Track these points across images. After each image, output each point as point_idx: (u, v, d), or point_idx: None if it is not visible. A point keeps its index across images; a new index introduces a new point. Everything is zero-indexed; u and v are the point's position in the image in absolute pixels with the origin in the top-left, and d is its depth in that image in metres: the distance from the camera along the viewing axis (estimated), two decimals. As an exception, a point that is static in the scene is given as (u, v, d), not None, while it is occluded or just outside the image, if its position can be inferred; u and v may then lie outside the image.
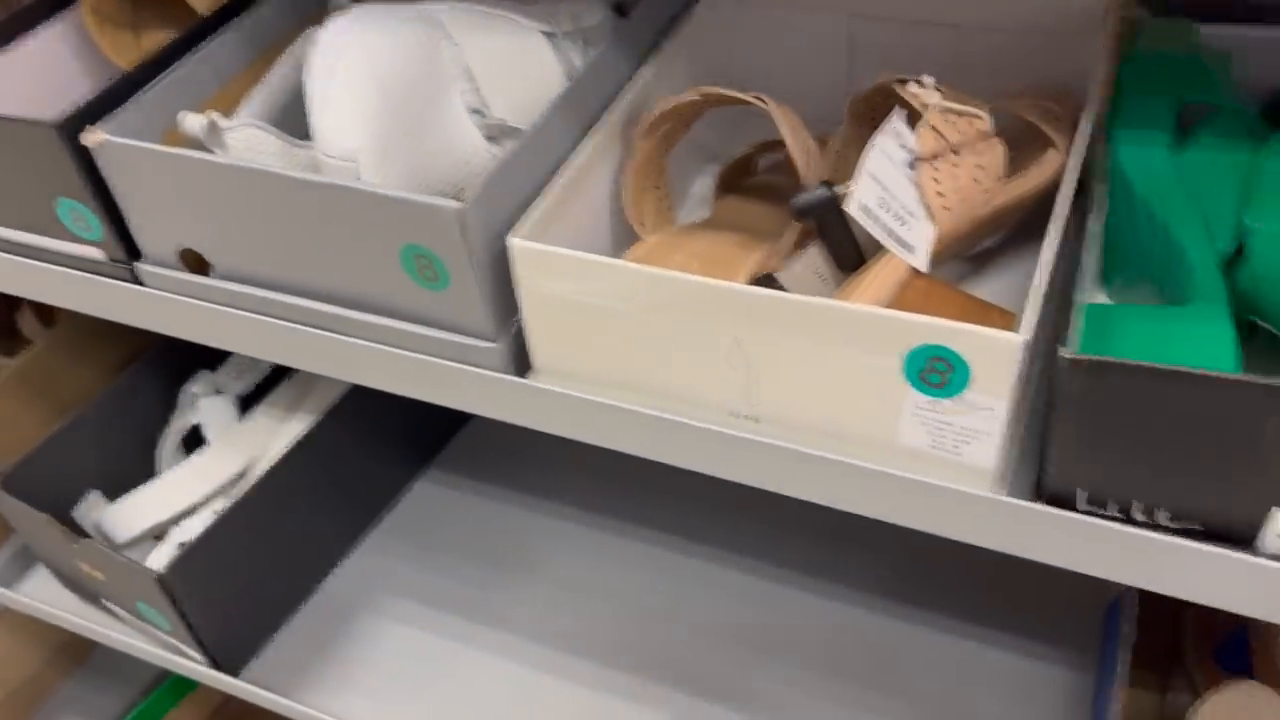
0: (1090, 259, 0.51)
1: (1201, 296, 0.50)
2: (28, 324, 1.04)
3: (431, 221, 0.53)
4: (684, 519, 0.94)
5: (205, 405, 0.91)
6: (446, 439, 1.02)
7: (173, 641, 0.84)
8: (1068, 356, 0.44)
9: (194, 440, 0.94)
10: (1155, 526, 0.47)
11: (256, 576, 0.85)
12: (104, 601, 0.88)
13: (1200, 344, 0.47)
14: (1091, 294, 0.50)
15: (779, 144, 0.68)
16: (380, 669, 0.86)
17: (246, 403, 0.93)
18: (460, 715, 0.83)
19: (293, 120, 0.68)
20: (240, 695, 0.84)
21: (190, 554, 0.77)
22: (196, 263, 0.66)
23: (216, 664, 0.84)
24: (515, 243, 0.53)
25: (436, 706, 0.84)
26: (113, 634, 0.88)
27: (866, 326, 0.47)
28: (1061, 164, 0.59)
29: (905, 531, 0.89)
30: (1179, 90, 0.59)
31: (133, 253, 0.67)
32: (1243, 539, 0.46)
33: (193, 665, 0.84)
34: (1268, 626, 0.70)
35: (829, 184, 0.55)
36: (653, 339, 0.53)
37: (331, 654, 0.87)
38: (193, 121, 0.60)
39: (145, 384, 0.95)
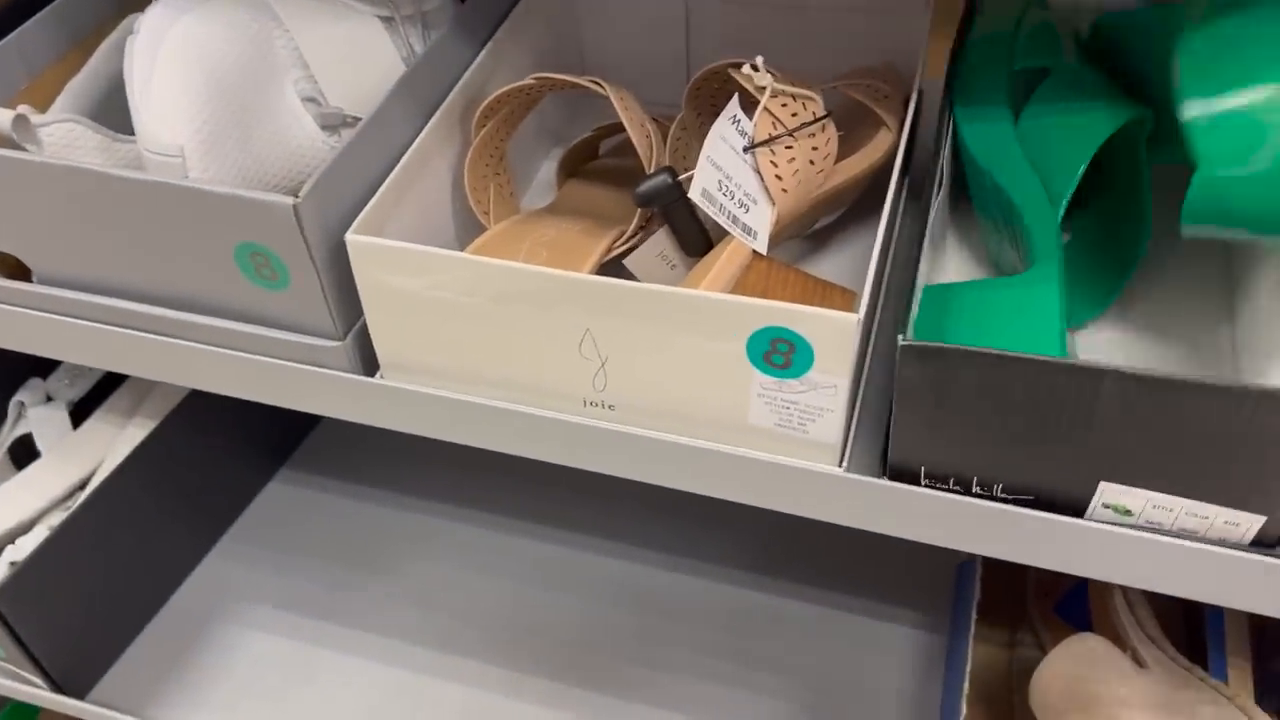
0: (933, 234, 0.53)
1: (1038, 258, 0.52)
2: None
3: (266, 219, 0.51)
4: (544, 508, 0.94)
5: (35, 415, 0.86)
6: (298, 440, 0.99)
7: (9, 667, 0.79)
8: (903, 343, 0.45)
9: (24, 452, 0.88)
10: (993, 499, 0.49)
11: (99, 593, 0.81)
12: (-68, 629, 0.82)
13: (1028, 310, 0.49)
14: (933, 271, 0.52)
15: (620, 126, 0.69)
16: (238, 679, 0.84)
17: (81, 410, 0.89)
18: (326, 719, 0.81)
19: (113, 114, 0.65)
20: (87, 719, 0.81)
21: (23, 573, 0.73)
22: (14, 268, 0.62)
23: (59, 688, 0.79)
24: (353, 239, 0.52)
25: (299, 714, 0.81)
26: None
27: (710, 312, 0.48)
28: (893, 143, 0.61)
29: (765, 508, 0.91)
30: (1016, 59, 0.61)
31: (-59, 259, 0.63)
32: (1075, 509, 0.49)
33: (34, 690, 0.80)
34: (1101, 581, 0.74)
35: (671, 170, 0.55)
36: (501, 331, 0.52)
37: (185, 668, 0.84)
38: (1, 116, 0.56)
39: (-33, 396, 0.89)
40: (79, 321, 0.61)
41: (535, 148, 0.74)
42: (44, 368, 0.90)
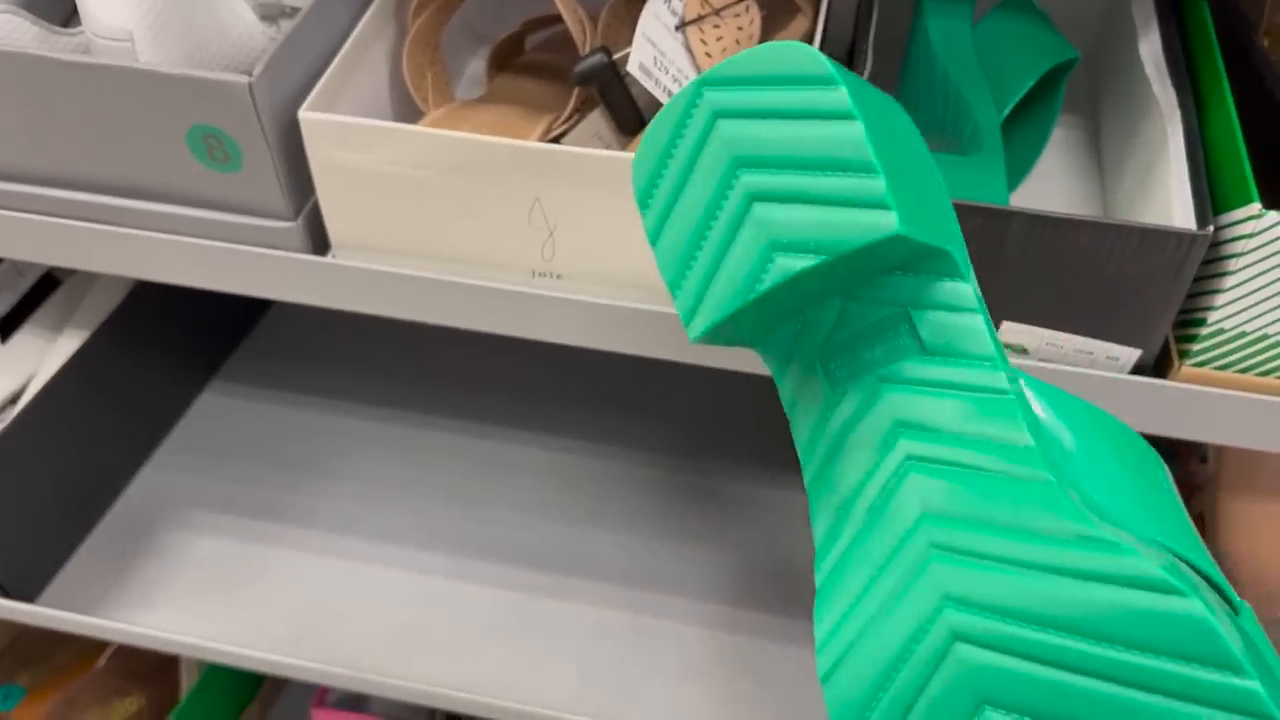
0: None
1: (986, 148, 0.57)
2: None
3: (221, 98, 0.53)
4: (476, 406, 0.97)
5: (-39, 330, 0.86)
6: (232, 347, 1.00)
7: (-45, 575, 0.80)
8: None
9: (-51, 370, 0.88)
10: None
11: (41, 500, 0.82)
12: None
13: (979, 188, 0.54)
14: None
15: (547, 20, 0.72)
16: (187, 580, 0.86)
17: (8, 323, 0.88)
18: (278, 613, 0.84)
19: (45, 7, 0.65)
20: (38, 622, 0.82)
21: (-32, 479, 0.74)
22: (-51, 164, 0.62)
23: (7, 593, 0.80)
24: (306, 116, 0.54)
25: (252, 608, 0.84)
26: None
27: (654, 174, 0.51)
28: (809, 28, 0.65)
29: (687, 392, 0.96)
30: None
31: (-128, 156, 0.62)
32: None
33: (-19, 598, 0.81)
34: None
35: (606, 50, 0.58)
36: (451, 204, 0.55)
37: (134, 570, 0.86)
38: (-65, 7, 0.56)
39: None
40: (21, 215, 0.61)
41: (461, 45, 0.76)
42: (-35, 284, 0.89)
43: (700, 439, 0.95)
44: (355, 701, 0.96)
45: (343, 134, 0.54)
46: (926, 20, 0.62)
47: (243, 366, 1.00)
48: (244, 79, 0.52)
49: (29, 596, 0.82)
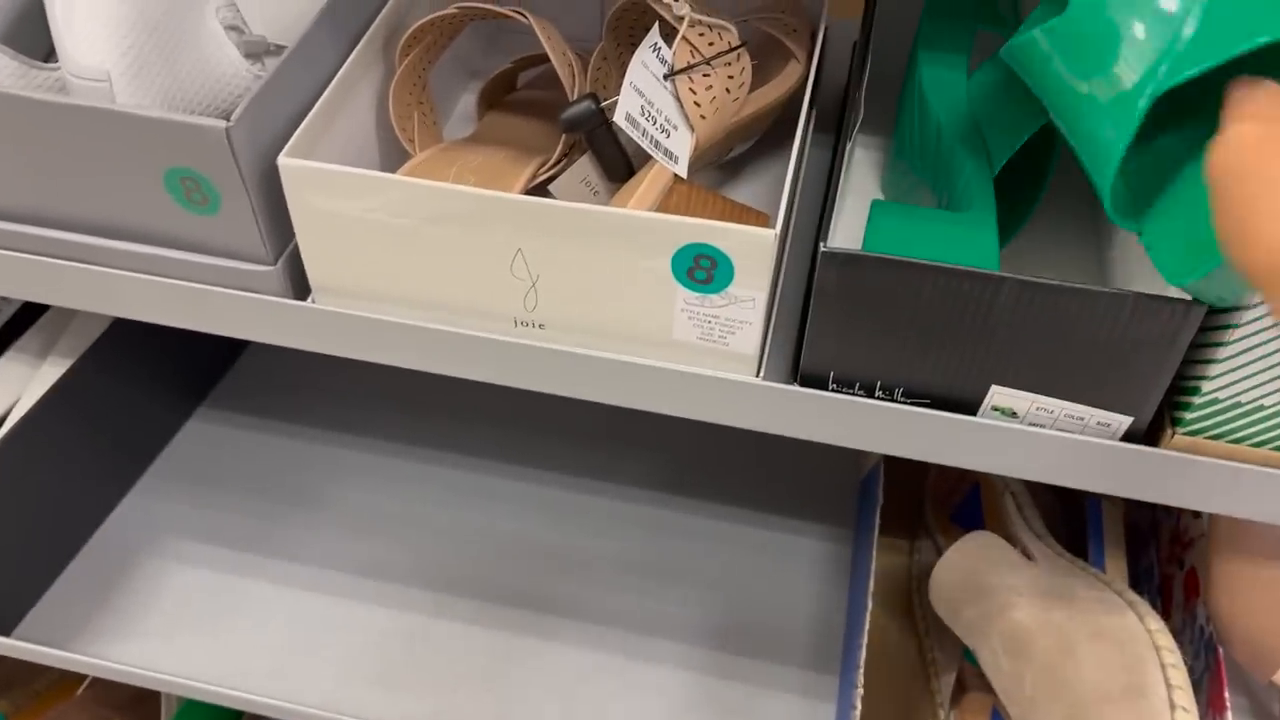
0: (861, 163, 0.56)
1: (976, 205, 0.56)
2: None
3: (198, 142, 0.52)
4: (461, 439, 0.96)
5: (-56, 355, 0.85)
6: (217, 377, 1.00)
7: (-69, 605, 0.79)
8: (824, 249, 0.49)
9: (-68, 394, 0.87)
10: (895, 401, 0.54)
11: (21, 530, 0.81)
12: None
13: (967, 247, 0.53)
14: (863, 194, 0.56)
15: (539, 58, 0.71)
16: (168, 611, 0.85)
17: (-9, 350, 0.88)
18: (258, 648, 0.83)
19: (26, 41, 0.64)
20: (15, 654, 0.81)
21: (-55, 511, 0.73)
22: (-72, 197, 0.61)
23: (-16, 624, 0.79)
24: (286, 162, 0.53)
25: (232, 642, 0.83)
26: None
27: (637, 230, 0.50)
28: (802, 75, 0.64)
29: (676, 429, 0.95)
30: (977, 18, 0.65)
31: None
32: (967, 412, 0.53)
33: (-44, 628, 0.80)
34: (992, 487, 0.80)
35: (594, 97, 0.57)
36: (433, 253, 0.54)
37: (112, 602, 0.85)
38: (-87, 42, 0.56)
39: None
40: (1, 251, 0.61)
41: (452, 81, 0.75)
42: (-51, 307, 0.89)
43: (690, 477, 0.93)
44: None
45: (322, 181, 0.53)
46: (920, 70, 0.61)
47: (228, 395, 0.99)
48: (221, 124, 0.51)
49: (5, 629, 0.81)
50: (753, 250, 0.50)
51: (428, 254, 0.54)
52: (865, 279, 0.49)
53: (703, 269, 0.51)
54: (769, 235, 0.49)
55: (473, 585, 0.86)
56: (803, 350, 0.54)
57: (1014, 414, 0.53)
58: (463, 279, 0.55)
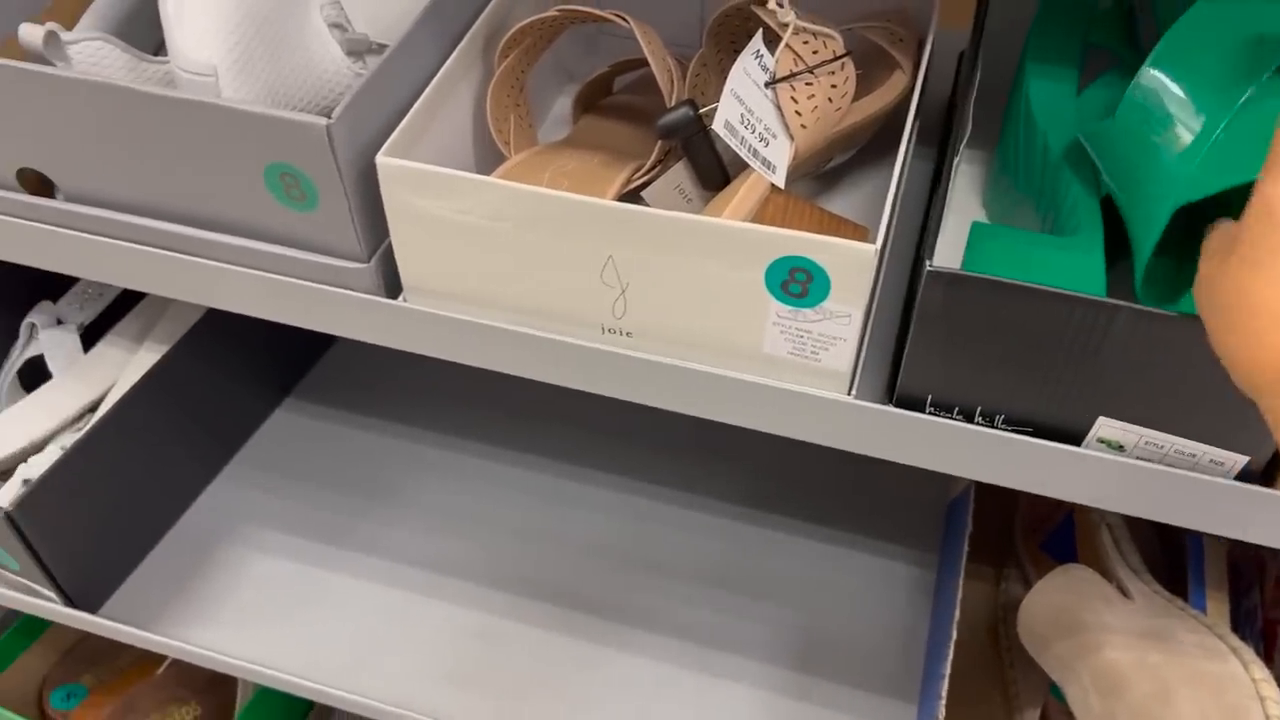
0: (961, 177, 0.55)
1: (1084, 228, 0.54)
2: None
3: (300, 139, 0.52)
4: (543, 441, 0.96)
5: (46, 337, 0.87)
6: (304, 369, 1.01)
7: (24, 581, 0.81)
8: (930, 268, 0.47)
9: (33, 373, 0.89)
10: (995, 428, 0.52)
11: (110, 511, 0.82)
12: (-56, 544, 0.84)
13: (1073, 273, 0.51)
14: (963, 211, 0.54)
15: (636, 63, 0.70)
16: (246, 599, 0.86)
17: (90, 334, 0.90)
18: (332, 639, 0.83)
19: (135, 34, 0.65)
20: (99, 632, 0.83)
21: (38, 490, 0.74)
22: (37, 184, 0.63)
23: (72, 602, 0.81)
24: (384, 161, 0.53)
25: (307, 632, 0.84)
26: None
27: (732, 241, 0.49)
28: (907, 86, 0.63)
29: (760, 443, 0.93)
30: (1088, 33, 0.62)
31: (-35, 174, 0.63)
32: (1071, 442, 0.51)
33: (47, 605, 0.82)
34: (1088, 518, 0.77)
35: (693, 103, 0.56)
36: (524, 256, 0.54)
37: (193, 586, 0.86)
38: (31, 32, 0.57)
39: (-23, 317, 0.90)
40: (104, 239, 0.62)
41: (548, 83, 0.74)
42: (55, 291, 0.91)
43: (772, 491, 0.92)
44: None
45: (418, 181, 0.53)
46: (1028, 84, 0.59)
47: (315, 388, 1.00)
48: (322, 121, 0.51)
49: (92, 607, 0.83)
50: (851, 265, 0.48)
51: (519, 257, 0.54)
52: (971, 300, 0.47)
53: (798, 282, 0.49)
54: (869, 250, 0.47)
55: (548, 589, 0.86)
56: (900, 371, 0.52)
57: (1120, 447, 0.51)
58: (552, 284, 0.55)
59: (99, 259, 0.63)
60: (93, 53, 0.57)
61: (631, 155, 0.64)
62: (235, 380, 0.92)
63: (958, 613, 0.69)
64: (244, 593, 0.86)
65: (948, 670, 0.66)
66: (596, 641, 0.83)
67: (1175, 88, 0.50)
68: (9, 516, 0.72)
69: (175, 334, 0.85)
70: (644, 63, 0.71)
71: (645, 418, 0.97)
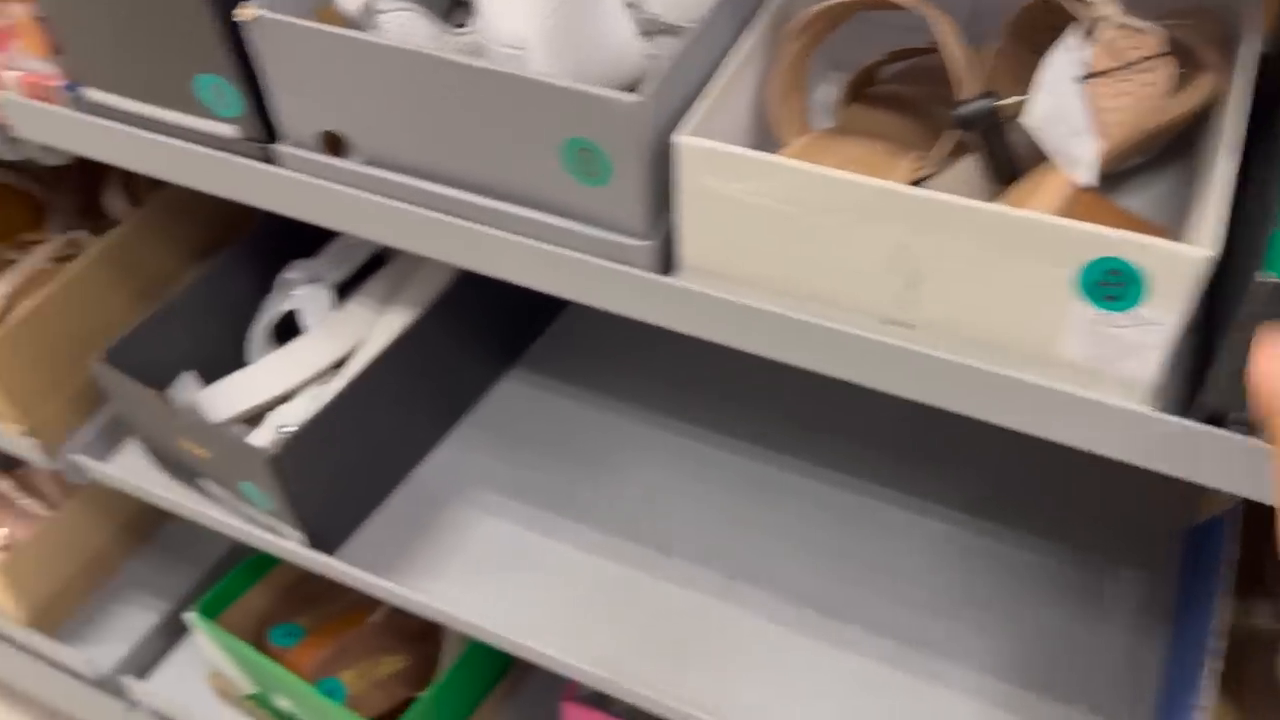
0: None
1: None
2: (113, 203, 1.04)
3: (606, 115, 0.53)
4: (765, 430, 0.95)
5: (302, 293, 0.92)
6: (534, 336, 1.03)
7: (271, 521, 0.86)
8: (1260, 279, 0.45)
9: (282, 328, 0.94)
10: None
11: (353, 462, 0.86)
12: (199, 480, 0.90)
13: None
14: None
15: (914, 52, 0.69)
16: (469, 556, 0.88)
17: (340, 292, 0.94)
18: (548, 603, 0.85)
19: (437, 7, 0.68)
20: (333, 575, 0.87)
21: (300, 437, 0.79)
22: (333, 147, 0.66)
23: (313, 543, 0.86)
24: (685, 141, 0.53)
25: (521, 595, 0.86)
26: (208, 511, 0.90)
27: (1047, 236, 0.48)
28: (1218, 86, 0.59)
29: (986, 446, 0.91)
30: None
31: (269, 134, 0.67)
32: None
33: (288, 545, 0.86)
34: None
35: (994, 94, 0.55)
36: (813, 241, 0.53)
37: (420, 539, 0.90)
38: (349, 0, 0.60)
39: (238, 270, 0.95)
40: (394, 202, 0.64)
41: (813, 70, 0.74)
42: (310, 250, 0.96)
43: (994, 500, 0.89)
44: (600, 700, 0.97)
45: (717, 161, 0.53)
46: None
47: (542, 357, 1.03)
48: (635, 99, 0.52)
49: (329, 549, 0.87)
50: (1176, 270, 0.46)
51: (808, 242, 0.54)
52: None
53: (1113, 285, 0.48)
54: (1199, 255, 0.45)
55: (763, 576, 0.86)
56: (1206, 384, 0.50)
57: None
58: (838, 270, 0.54)
59: (388, 221, 0.65)
60: (403, 21, 0.60)
61: (908, 146, 0.63)
62: (470, 346, 0.95)
63: (1214, 642, 0.66)
64: (467, 549, 0.89)
65: (1203, 702, 0.63)
66: (809, 634, 0.83)
67: None
68: (275, 460, 0.77)
69: (422, 298, 0.89)
70: (917, 53, 0.70)
71: (866, 415, 0.95)
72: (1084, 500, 0.88)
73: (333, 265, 0.93)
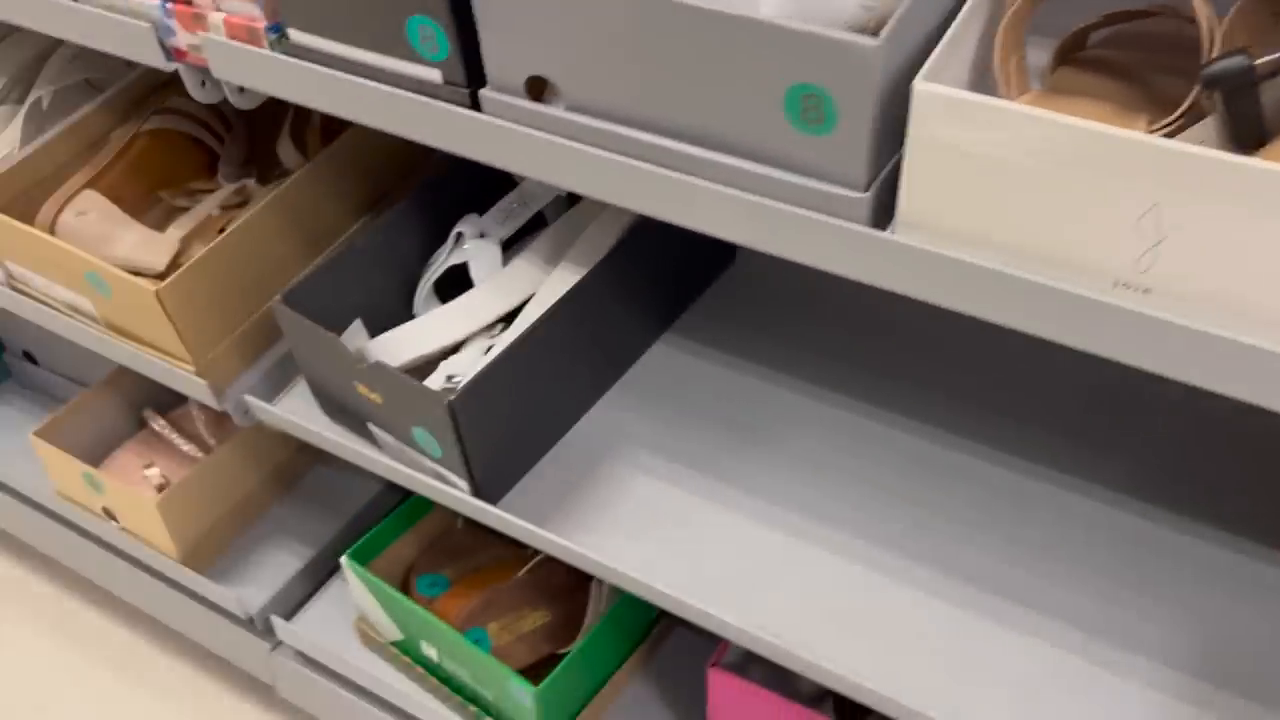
0: None
1: None
2: (286, 153, 1.06)
3: (839, 60, 0.52)
4: (927, 409, 0.93)
5: (472, 247, 0.93)
6: (689, 300, 1.03)
7: (438, 469, 0.87)
8: None
9: (448, 281, 0.95)
10: None
11: (520, 416, 0.87)
12: (368, 425, 0.91)
13: None
14: None
15: (1124, 15, 0.66)
16: (625, 513, 0.88)
17: (507, 247, 0.95)
18: (702, 565, 0.85)
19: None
20: (495, 524, 0.87)
21: (475, 386, 0.79)
22: (536, 93, 0.66)
23: (478, 493, 0.86)
24: (925, 87, 0.52)
25: (672, 553, 0.85)
26: (375, 456, 0.92)
27: (1326, 198, 0.45)
28: None
29: (1151, 433, 0.87)
30: None
31: (475, 79, 0.67)
32: None
33: (455, 493, 0.87)
34: None
35: (1247, 52, 0.52)
36: (1053, 197, 0.52)
37: (577, 493, 0.90)
38: (573, -56, 0.59)
39: (407, 222, 0.97)
40: (600, 152, 0.64)
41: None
42: (471, 208, 0.97)
43: (1168, 488, 0.86)
44: (744, 670, 0.97)
45: (958, 110, 0.51)
46: None
47: (697, 321, 1.02)
48: (874, 42, 0.51)
49: (493, 499, 0.88)
50: None
51: (1045, 197, 0.52)
52: None
53: (1393, 251, 0.45)
54: None
55: (925, 554, 0.84)
56: None
57: None
58: (1072, 228, 0.52)
59: (592, 172, 0.65)
60: (624, -33, 0.59)
61: (1128, 108, 0.60)
62: (632, 305, 0.95)
63: None
64: (624, 506, 0.89)
65: None
66: (977, 613, 0.81)
67: None
68: (452, 408, 0.77)
69: (589, 257, 0.89)
70: (1131, 15, 0.67)
71: (1034, 396, 0.93)
72: (1264, 487, 0.85)
73: (499, 221, 0.94)
